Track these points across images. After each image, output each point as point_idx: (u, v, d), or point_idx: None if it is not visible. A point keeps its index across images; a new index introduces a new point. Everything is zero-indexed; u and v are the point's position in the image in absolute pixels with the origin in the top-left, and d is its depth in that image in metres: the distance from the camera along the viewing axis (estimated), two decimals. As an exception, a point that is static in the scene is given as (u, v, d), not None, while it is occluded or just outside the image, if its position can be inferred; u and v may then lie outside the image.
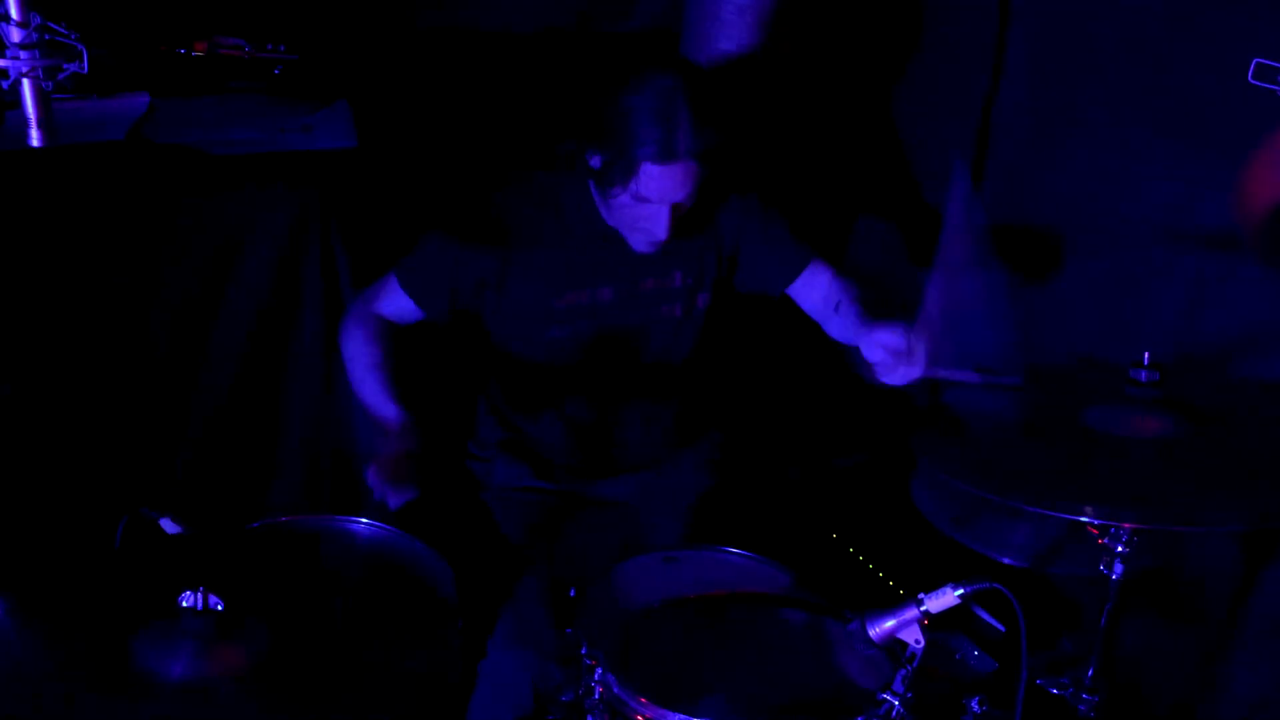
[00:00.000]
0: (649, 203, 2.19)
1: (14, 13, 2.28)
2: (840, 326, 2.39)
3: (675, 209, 2.20)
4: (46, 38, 2.32)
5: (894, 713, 1.71)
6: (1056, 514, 1.82)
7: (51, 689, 1.52)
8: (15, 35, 2.29)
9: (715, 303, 2.44)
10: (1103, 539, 1.90)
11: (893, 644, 1.70)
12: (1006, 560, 2.14)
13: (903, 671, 1.70)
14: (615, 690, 1.80)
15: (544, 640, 2.19)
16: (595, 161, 2.20)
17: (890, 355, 2.06)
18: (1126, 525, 1.84)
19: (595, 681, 1.86)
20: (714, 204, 2.38)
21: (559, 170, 2.31)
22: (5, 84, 2.33)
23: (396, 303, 2.36)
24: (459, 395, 2.65)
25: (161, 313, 2.47)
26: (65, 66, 2.35)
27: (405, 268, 2.35)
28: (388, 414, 2.24)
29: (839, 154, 3.26)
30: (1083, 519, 1.76)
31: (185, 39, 2.68)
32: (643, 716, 1.77)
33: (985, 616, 2.45)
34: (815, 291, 2.44)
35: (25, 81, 2.34)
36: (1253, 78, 2.10)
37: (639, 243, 2.29)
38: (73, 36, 2.34)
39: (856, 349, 2.15)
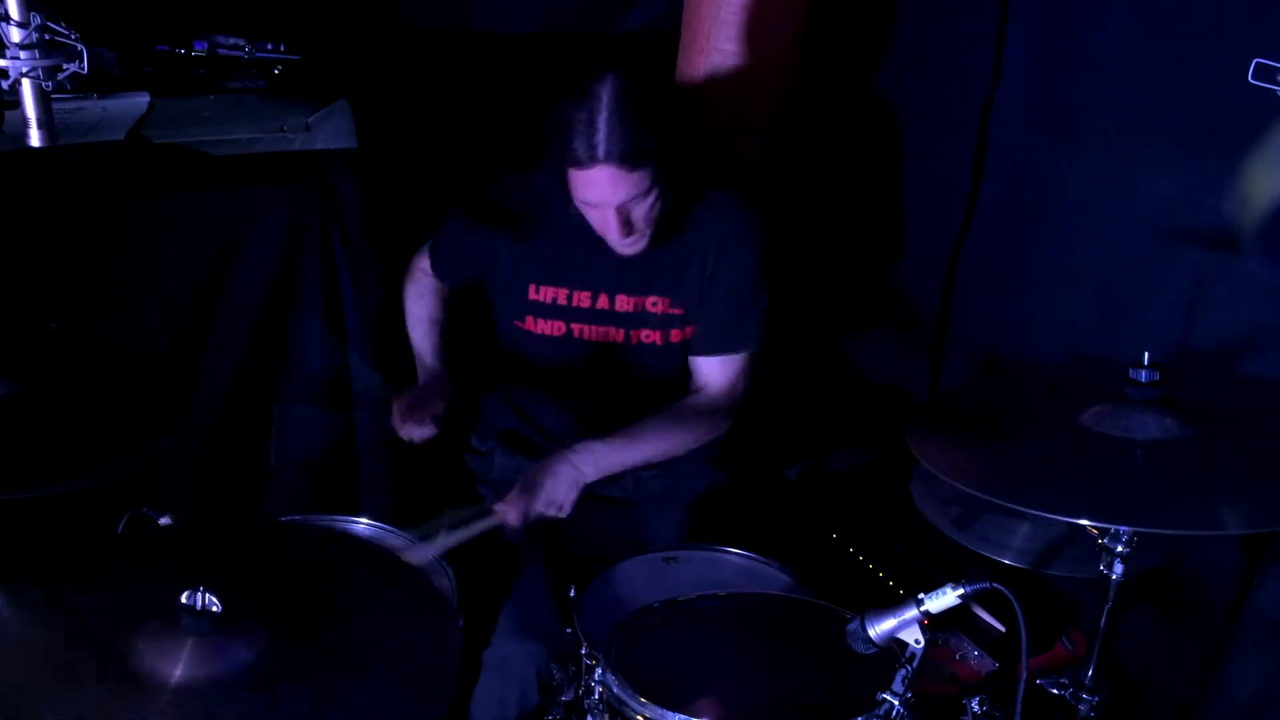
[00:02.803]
0: (593, 207, 2.21)
1: (14, 13, 2.28)
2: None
3: (624, 212, 2.20)
4: (46, 38, 2.32)
5: (894, 713, 1.71)
6: (1055, 516, 1.81)
7: (51, 689, 1.52)
8: (15, 35, 2.29)
9: (695, 337, 2.44)
10: (1102, 539, 1.90)
11: (893, 644, 1.70)
12: (1006, 561, 2.14)
13: (903, 671, 1.70)
14: (615, 690, 1.80)
15: (546, 636, 2.19)
16: (540, 133, 2.24)
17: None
18: (1124, 528, 1.84)
19: (595, 681, 1.86)
20: (707, 225, 2.37)
21: (554, 168, 2.31)
22: (5, 84, 2.33)
23: (428, 268, 2.59)
24: (459, 389, 2.65)
25: (161, 312, 2.47)
26: (65, 66, 2.35)
27: (433, 240, 2.55)
28: (426, 364, 2.52)
29: (840, 154, 3.26)
30: (1081, 521, 1.75)
31: (185, 39, 2.68)
32: (643, 716, 1.77)
33: (985, 616, 2.45)
34: (711, 370, 2.44)
35: (25, 81, 2.34)
36: (1253, 78, 2.10)
37: (617, 248, 2.29)
38: (73, 36, 2.34)
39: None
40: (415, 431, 2.41)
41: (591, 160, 2.13)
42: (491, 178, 2.45)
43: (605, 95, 2.12)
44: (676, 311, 2.40)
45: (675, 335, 2.42)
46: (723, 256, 2.37)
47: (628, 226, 2.22)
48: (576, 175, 2.16)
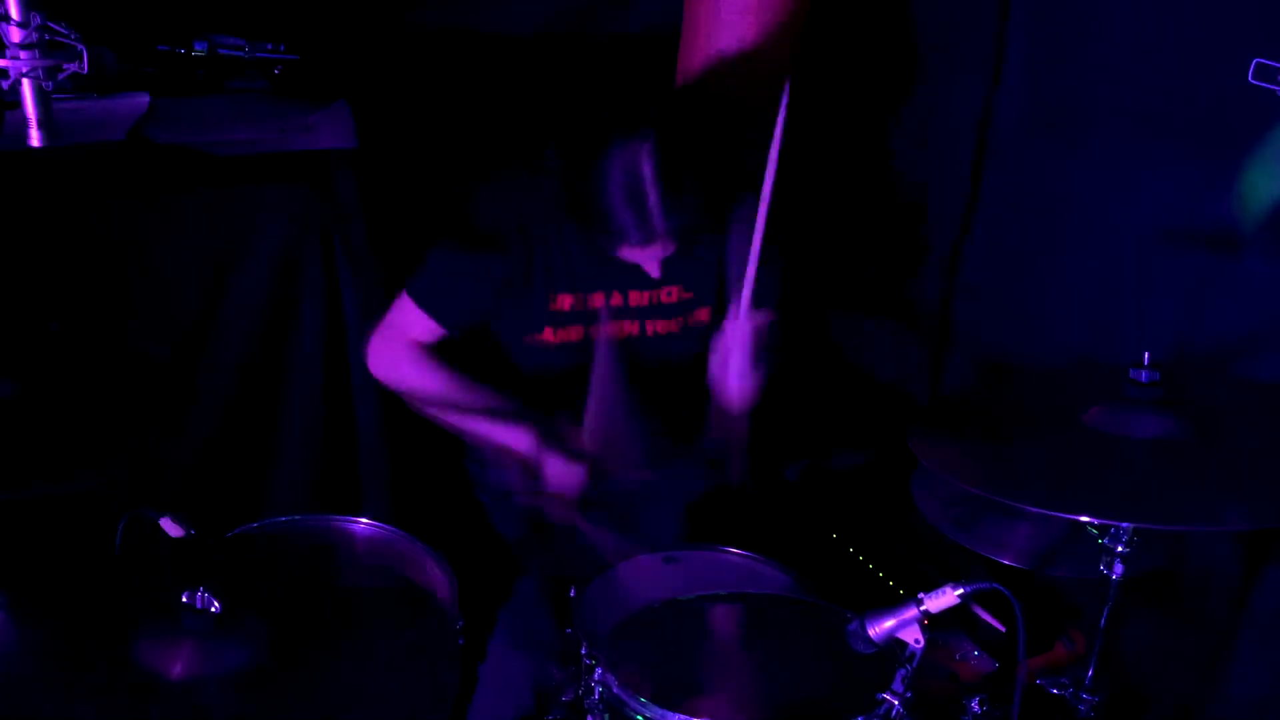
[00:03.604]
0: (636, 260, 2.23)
1: (14, 13, 2.28)
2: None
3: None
4: (46, 38, 2.32)
5: (894, 713, 1.71)
6: (1056, 514, 1.82)
7: (51, 689, 1.52)
8: (15, 35, 2.29)
9: (715, 316, 2.44)
10: (1103, 539, 1.90)
11: (893, 644, 1.70)
12: (1006, 561, 2.14)
13: (903, 671, 1.70)
14: (615, 690, 1.80)
15: (544, 640, 2.19)
16: (580, 216, 2.18)
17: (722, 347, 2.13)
18: (1125, 525, 1.85)
19: (595, 681, 1.86)
20: (721, 217, 2.38)
21: (558, 175, 2.30)
22: (5, 84, 2.33)
23: (417, 324, 2.31)
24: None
25: (161, 312, 2.47)
26: (65, 66, 2.35)
27: (418, 286, 2.30)
28: (514, 427, 2.21)
29: (839, 155, 3.26)
30: (1082, 518, 1.76)
31: (185, 39, 2.69)
32: (643, 716, 1.77)
33: (985, 616, 2.45)
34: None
35: (25, 81, 2.34)
36: (1253, 78, 2.10)
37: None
38: (73, 36, 2.34)
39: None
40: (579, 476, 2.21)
41: (648, 239, 2.11)
42: (483, 192, 2.38)
43: (648, 170, 2.05)
44: (689, 296, 2.40)
45: (692, 319, 2.42)
46: (729, 237, 2.38)
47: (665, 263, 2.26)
48: (630, 251, 2.17)
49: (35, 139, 2.39)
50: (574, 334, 2.37)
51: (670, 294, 2.39)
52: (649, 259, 2.23)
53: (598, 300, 2.36)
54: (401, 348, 2.32)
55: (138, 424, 2.47)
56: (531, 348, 2.38)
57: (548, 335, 2.36)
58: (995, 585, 1.66)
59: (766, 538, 2.30)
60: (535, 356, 2.39)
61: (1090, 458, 1.85)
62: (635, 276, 2.34)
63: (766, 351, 2.33)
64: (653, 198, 2.06)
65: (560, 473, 2.23)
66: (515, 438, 2.26)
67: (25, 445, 1.88)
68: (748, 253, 2.37)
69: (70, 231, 2.38)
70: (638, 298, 2.38)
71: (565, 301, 2.34)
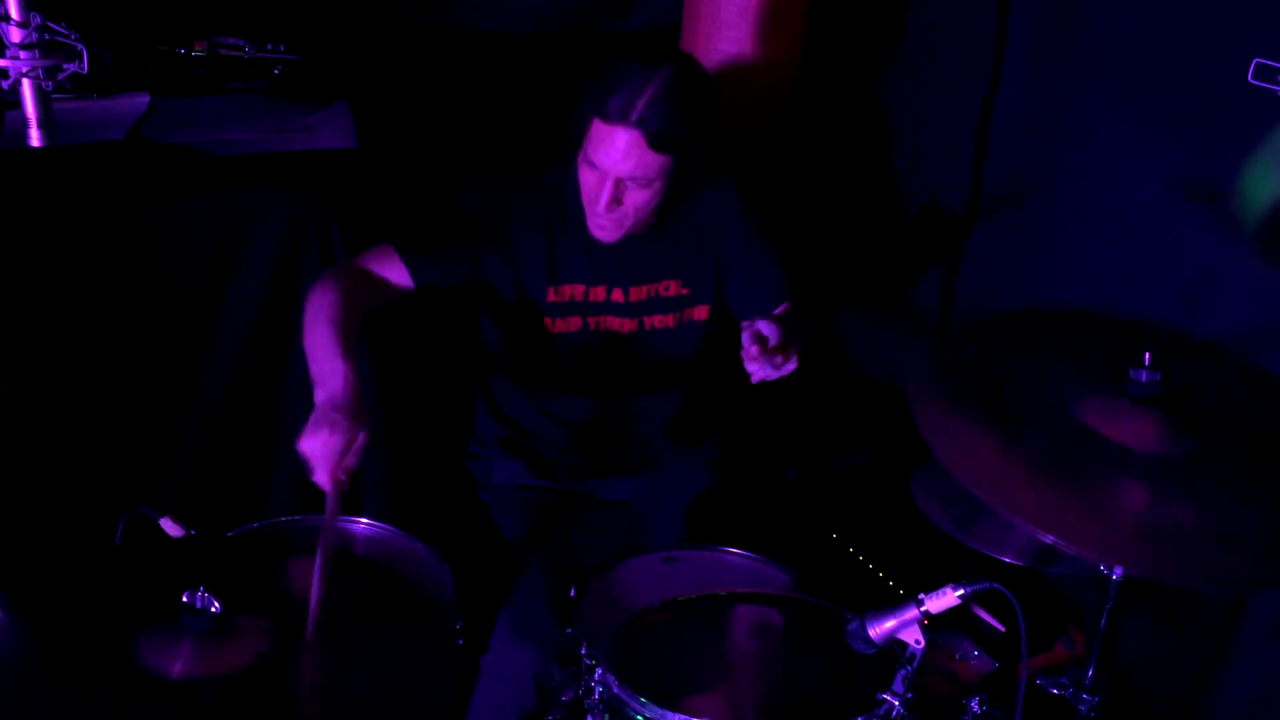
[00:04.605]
0: (595, 170, 2.18)
1: (14, 13, 2.29)
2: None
3: (620, 188, 2.18)
4: (46, 38, 2.32)
5: (894, 713, 1.71)
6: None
7: (51, 689, 1.52)
8: (15, 35, 2.30)
9: (713, 314, 2.44)
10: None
11: (893, 644, 1.70)
12: (1006, 560, 2.14)
13: (903, 671, 1.70)
14: (615, 690, 1.80)
15: (546, 636, 2.18)
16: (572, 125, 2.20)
17: (755, 344, 2.04)
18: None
19: (595, 681, 1.86)
20: (709, 207, 2.38)
21: (563, 167, 2.31)
22: (5, 84, 2.33)
23: (386, 269, 2.24)
24: (458, 393, 2.65)
25: (161, 313, 2.47)
26: (65, 66, 2.35)
27: (406, 236, 2.26)
28: (332, 367, 1.97)
29: (840, 154, 3.26)
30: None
31: (185, 39, 2.69)
32: (643, 716, 1.77)
33: (985, 616, 2.45)
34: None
35: (25, 81, 2.34)
36: (1253, 78, 2.10)
37: (592, 225, 2.28)
38: (73, 36, 2.35)
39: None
40: (338, 488, 1.93)
41: (621, 119, 2.12)
42: (494, 179, 2.41)
43: (666, 72, 2.13)
44: (686, 292, 2.41)
45: (688, 315, 2.43)
46: (728, 238, 2.40)
47: (615, 205, 2.20)
48: (599, 128, 2.15)
49: (35, 139, 2.40)
50: (573, 324, 2.38)
51: (669, 288, 2.40)
52: (608, 160, 2.15)
53: (598, 293, 2.37)
54: (342, 273, 2.21)
55: (138, 423, 2.48)
56: (535, 337, 2.39)
57: (547, 324, 2.37)
58: (995, 585, 1.65)
59: (766, 538, 2.30)
60: (530, 345, 2.41)
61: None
62: (636, 269, 2.35)
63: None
64: (655, 85, 2.11)
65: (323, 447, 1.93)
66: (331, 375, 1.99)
67: (25, 445, 1.88)
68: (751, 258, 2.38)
69: (70, 231, 2.38)
70: (637, 292, 2.38)
71: (565, 292, 2.36)
